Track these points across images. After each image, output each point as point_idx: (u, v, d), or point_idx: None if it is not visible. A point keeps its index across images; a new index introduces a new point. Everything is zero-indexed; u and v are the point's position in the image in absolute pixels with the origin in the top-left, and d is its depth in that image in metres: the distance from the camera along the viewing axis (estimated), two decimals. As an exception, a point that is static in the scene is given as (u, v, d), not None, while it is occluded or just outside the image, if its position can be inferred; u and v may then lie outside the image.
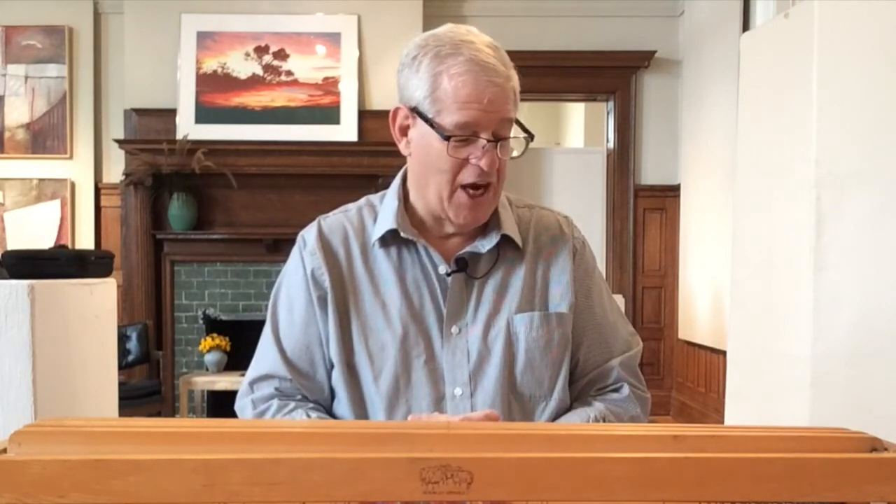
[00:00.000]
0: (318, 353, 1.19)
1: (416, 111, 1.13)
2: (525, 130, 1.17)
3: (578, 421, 1.16)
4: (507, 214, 1.23)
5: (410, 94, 1.13)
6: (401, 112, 1.16)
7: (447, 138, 1.09)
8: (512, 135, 1.15)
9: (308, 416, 1.14)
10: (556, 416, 1.18)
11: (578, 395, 1.23)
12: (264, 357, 1.21)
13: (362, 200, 1.27)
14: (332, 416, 1.20)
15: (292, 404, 1.16)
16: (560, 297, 1.21)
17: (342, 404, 1.17)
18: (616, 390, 1.22)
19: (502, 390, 1.15)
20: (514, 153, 1.17)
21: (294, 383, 1.19)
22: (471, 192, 1.13)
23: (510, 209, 1.24)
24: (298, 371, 1.19)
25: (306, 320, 1.19)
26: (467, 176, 1.12)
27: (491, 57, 1.10)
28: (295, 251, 1.23)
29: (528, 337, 1.17)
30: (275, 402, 1.17)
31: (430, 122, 1.11)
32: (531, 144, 1.20)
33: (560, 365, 1.19)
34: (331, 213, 1.26)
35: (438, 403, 1.13)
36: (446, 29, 1.14)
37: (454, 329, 1.16)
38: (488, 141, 1.10)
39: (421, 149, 1.15)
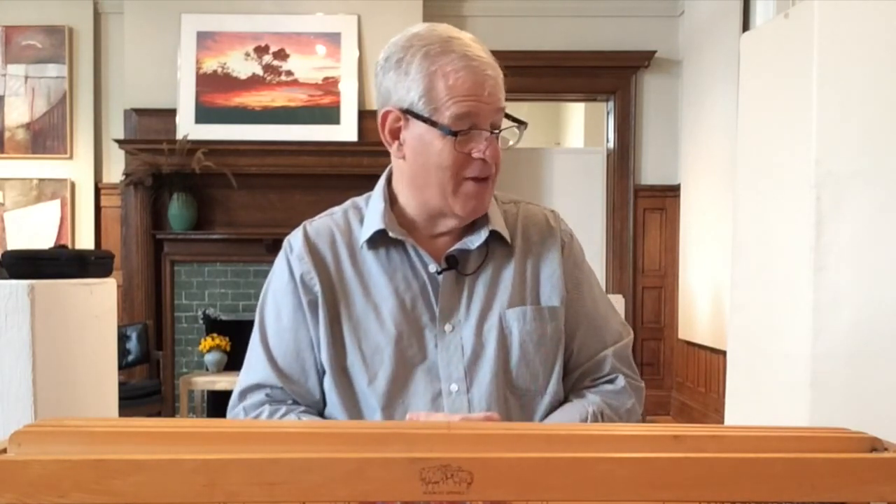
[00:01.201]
0: (310, 358, 1.18)
1: (409, 112, 1.13)
2: (516, 120, 1.18)
3: (576, 414, 1.16)
4: (495, 210, 1.23)
5: (401, 95, 1.13)
6: (391, 115, 1.15)
7: (454, 134, 1.10)
8: (507, 125, 1.16)
9: (300, 419, 1.14)
10: (552, 411, 1.18)
11: (573, 386, 1.23)
12: (254, 366, 1.20)
13: (347, 203, 1.27)
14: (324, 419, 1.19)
15: (283, 409, 1.16)
16: (551, 291, 1.21)
17: (336, 409, 1.16)
18: (611, 381, 1.22)
19: (498, 385, 1.15)
20: (510, 142, 1.18)
21: (285, 390, 1.18)
22: (476, 182, 1.14)
23: (496, 205, 1.25)
24: (289, 378, 1.18)
25: (295, 326, 1.18)
26: (470, 170, 1.13)
27: (480, 51, 1.12)
28: (281, 256, 1.22)
29: (522, 331, 1.17)
30: (266, 409, 1.16)
31: (428, 121, 1.11)
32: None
33: (554, 358, 1.19)
34: (316, 218, 1.25)
35: (435, 401, 1.13)
36: (427, 28, 1.15)
37: (447, 327, 1.16)
38: (491, 132, 1.11)
39: (418, 148, 1.14)
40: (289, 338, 1.18)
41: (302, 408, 1.17)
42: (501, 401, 1.15)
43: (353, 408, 1.15)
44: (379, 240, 1.19)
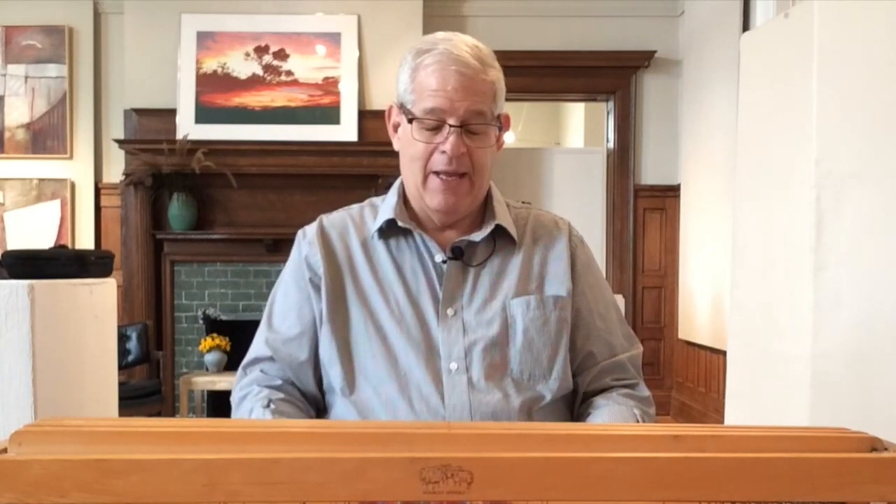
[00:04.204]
0: (310, 330, 1.23)
1: (401, 106, 1.21)
2: (496, 118, 1.20)
3: (630, 417, 1.19)
4: (503, 209, 1.28)
5: (398, 90, 1.21)
6: (393, 110, 1.24)
7: (411, 120, 1.17)
8: (480, 122, 1.18)
9: (268, 405, 1.16)
10: (559, 396, 1.21)
11: (592, 380, 1.26)
12: (255, 341, 1.27)
13: (365, 201, 1.33)
14: (305, 396, 1.23)
15: (265, 392, 1.20)
16: (557, 283, 1.25)
17: (336, 382, 1.20)
18: (635, 387, 1.26)
19: (497, 366, 1.18)
20: (492, 142, 1.20)
21: (277, 365, 1.23)
22: (443, 177, 1.18)
23: (507, 207, 1.30)
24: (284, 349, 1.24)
25: (299, 304, 1.24)
26: (437, 164, 1.18)
27: (465, 52, 1.16)
28: (295, 244, 1.29)
29: (525, 318, 1.20)
30: (255, 388, 1.22)
31: (406, 112, 1.18)
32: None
33: (558, 346, 1.21)
34: (334, 212, 1.32)
35: (435, 378, 1.16)
36: (436, 33, 1.21)
37: (450, 311, 1.20)
38: (451, 126, 1.15)
39: (403, 139, 1.22)
40: (294, 316, 1.24)
41: (281, 395, 1.20)
42: (499, 381, 1.17)
43: (352, 381, 1.18)
44: (389, 230, 1.24)
